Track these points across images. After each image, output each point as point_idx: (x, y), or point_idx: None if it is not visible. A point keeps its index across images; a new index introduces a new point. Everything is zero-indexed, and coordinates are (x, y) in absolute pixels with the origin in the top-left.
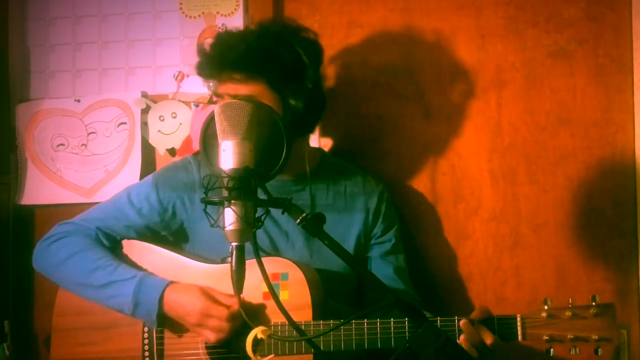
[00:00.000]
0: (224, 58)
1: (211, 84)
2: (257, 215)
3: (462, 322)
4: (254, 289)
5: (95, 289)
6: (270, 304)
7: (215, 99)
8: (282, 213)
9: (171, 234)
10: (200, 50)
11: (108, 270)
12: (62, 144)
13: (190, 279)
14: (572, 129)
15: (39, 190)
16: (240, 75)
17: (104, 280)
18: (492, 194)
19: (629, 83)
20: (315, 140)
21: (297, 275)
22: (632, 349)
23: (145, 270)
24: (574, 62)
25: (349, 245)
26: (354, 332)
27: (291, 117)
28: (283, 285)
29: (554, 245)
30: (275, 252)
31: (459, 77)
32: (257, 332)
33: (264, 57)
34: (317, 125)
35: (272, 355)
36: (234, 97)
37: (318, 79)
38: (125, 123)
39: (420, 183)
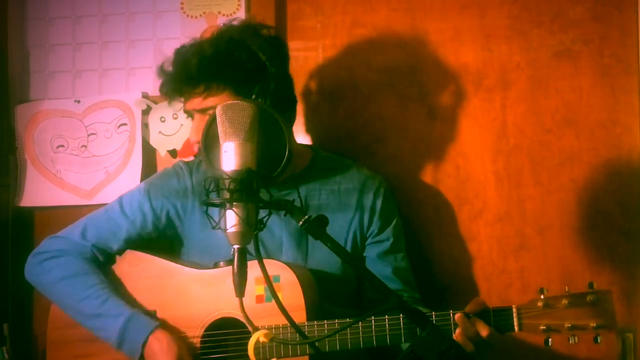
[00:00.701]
0: (180, 74)
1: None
2: (259, 217)
3: (457, 315)
4: (246, 293)
5: (83, 316)
6: (263, 307)
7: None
8: (285, 215)
9: (167, 241)
10: (160, 71)
11: (98, 301)
12: (62, 145)
13: (183, 285)
14: (578, 130)
15: (38, 192)
16: (201, 88)
17: (93, 312)
18: (496, 195)
19: (635, 84)
20: (317, 142)
21: (289, 277)
22: (638, 353)
23: (135, 309)
24: (580, 62)
25: (345, 246)
26: (348, 331)
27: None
28: (275, 288)
29: (559, 248)
30: (267, 255)
31: (463, 77)
32: (259, 335)
33: (220, 64)
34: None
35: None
36: (202, 111)
37: (283, 77)
38: (125, 124)
39: (424, 185)
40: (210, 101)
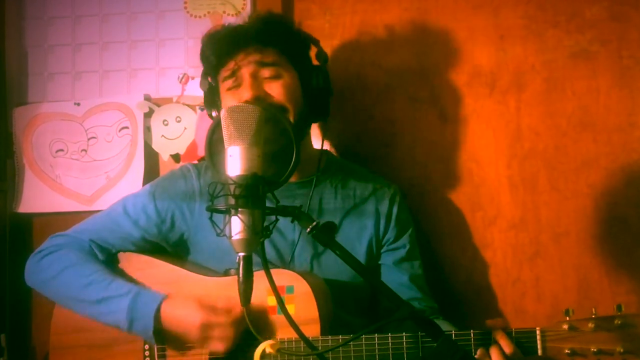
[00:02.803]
0: (240, 32)
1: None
2: (265, 224)
3: (498, 333)
4: (258, 303)
5: (89, 304)
6: (275, 319)
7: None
8: (292, 222)
9: (170, 246)
10: (210, 35)
11: (102, 285)
12: (61, 150)
13: (192, 292)
14: (595, 133)
15: (37, 197)
16: (258, 46)
17: (98, 296)
18: (511, 201)
19: None
20: (326, 145)
21: (303, 288)
22: None
23: (141, 284)
24: (597, 63)
25: (360, 253)
26: (364, 347)
27: (311, 96)
28: (288, 299)
29: (575, 256)
30: (281, 262)
31: (476, 79)
32: (266, 346)
33: (280, 31)
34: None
35: None
36: (260, 63)
37: (326, 60)
38: (127, 127)
39: (436, 191)
40: (267, 58)
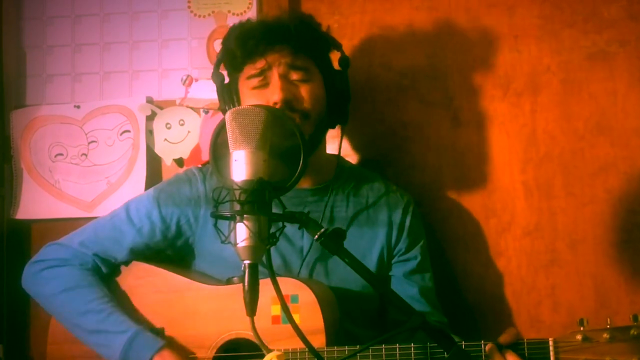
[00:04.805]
0: (274, 31)
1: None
2: (271, 230)
3: (488, 346)
4: (262, 313)
5: (84, 332)
6: (280, 329)
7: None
8: (299, 228)
9: (175, 253)
10: (240, 28)
11: (100, 316)
12: (61, 154)
13: (193, 301)
14: (613, 137)
15: (35, 203)
16: (291, 49)
17: (94, 327)
18: (526, 207)
19: None
20: (334, 147)
21: (308, 297)
22: None
23: (138, 323)
24: (615, 65)
25: (371, 262)
26: (371, 358)
27: (332, 101)
28: (293, 309)
29: (593, 263)
30: (288, 270)
31: (490, 81)
32: (272, 357)
33: (315, 36)
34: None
35: None
36: (292, 66)
37: (348, 65)
38: (128, 131)
39: (449, 196)
40: (298, 61)
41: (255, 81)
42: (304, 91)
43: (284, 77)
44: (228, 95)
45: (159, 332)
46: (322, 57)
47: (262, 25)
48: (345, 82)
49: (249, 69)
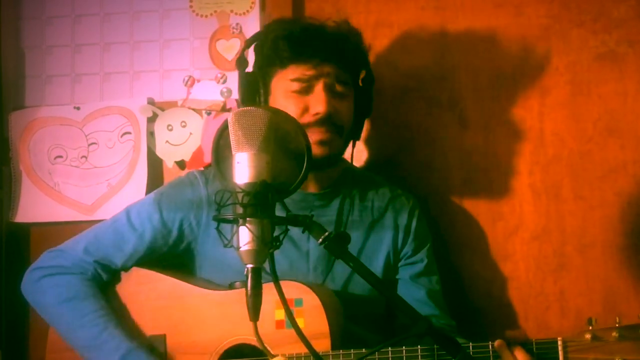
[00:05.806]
0: (329, 42)
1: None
2: (275, 234)
3: (497, 342)
4: (265, 317)
5: (78, 346)
6: (284, 334)
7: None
8: (303, 232)
9: (177, 257)
10: (293, 25)
11: (93, 331)
12: (60, 156)
13: (195, 307)
14: (623, 139)
15: (34, 206)
16: (342, 64)
17: (87, 342)
18: (533, 210)
19: None
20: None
21: (312, 301)
22: None
23: (131, 338)
24: (624, 65)
25: (377, 266)
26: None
27: (356, 117)
28: (297, 313)
29: (602, 268)
30: (293, 274)
31: (497, 82)
32: None
33: (362, 56)
34: None
35: None
36: (338, 79)
37: (373, 83)
38: (129, 133)
39: (455, 199)
40: (343, 75)
41: (297, 85)
42: (344, 106)
43: (330, 89)
44: (254, 86)
45: (156, 344)
46: (358, 75)
47: (317, 31)
48: (371, 100)
49: (294, 71)
